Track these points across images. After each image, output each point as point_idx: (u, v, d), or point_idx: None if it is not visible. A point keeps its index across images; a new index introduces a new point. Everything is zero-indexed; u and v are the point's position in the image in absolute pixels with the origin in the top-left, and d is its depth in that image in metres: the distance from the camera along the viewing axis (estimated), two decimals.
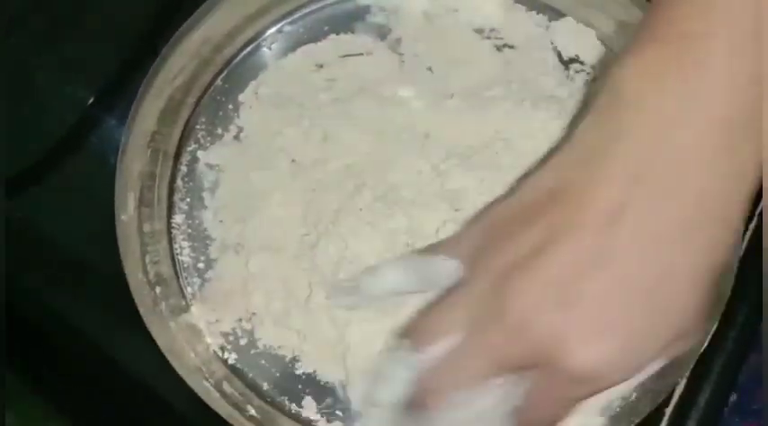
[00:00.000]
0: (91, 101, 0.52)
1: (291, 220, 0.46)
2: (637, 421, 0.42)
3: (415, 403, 0.36)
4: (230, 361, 0.46)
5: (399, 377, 0.36)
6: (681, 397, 0.45)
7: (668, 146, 0.32)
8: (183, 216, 0.48)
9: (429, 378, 0.35)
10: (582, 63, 0.49)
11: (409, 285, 0.40)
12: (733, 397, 0.46)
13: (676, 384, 0.44)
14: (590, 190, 0.32)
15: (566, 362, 0.31)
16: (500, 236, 0.35)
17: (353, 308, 0.43)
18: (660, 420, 0.45)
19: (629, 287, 0.31)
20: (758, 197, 0.45)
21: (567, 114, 0.46)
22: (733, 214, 0.32)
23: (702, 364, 0.44)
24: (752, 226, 0.46)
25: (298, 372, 0.45)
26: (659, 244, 0.31)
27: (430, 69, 0.49)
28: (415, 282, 0.39)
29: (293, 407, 0.45)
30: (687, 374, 0.44)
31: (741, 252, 0.43)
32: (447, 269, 0.37)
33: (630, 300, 0.31)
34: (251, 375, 0.46)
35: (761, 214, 0.45)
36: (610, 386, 0.33)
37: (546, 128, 0.45)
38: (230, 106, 0.49)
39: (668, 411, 0.45)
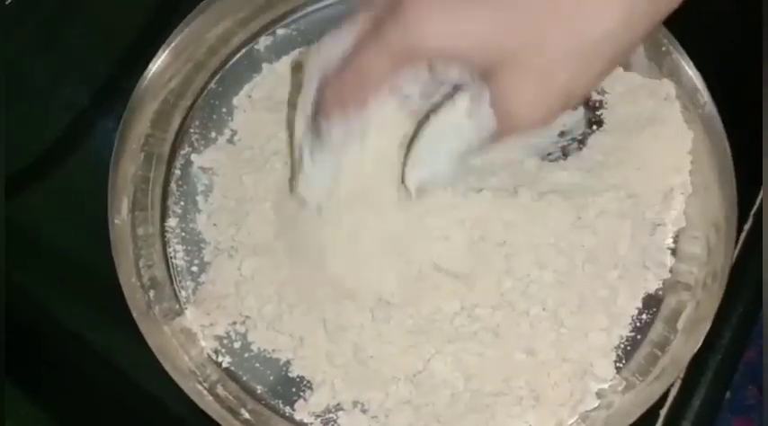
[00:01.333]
0: (86, 103, 0.52)
1: None
2: (631, 421, 0.42)
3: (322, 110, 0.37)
4: (224, 365, 0.46)
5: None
6: (675, 398, 0.45)
7: None
8: (177, 219, 0.48)
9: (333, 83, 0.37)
10: None
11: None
12: (726, 394, 0.46)
13: (671, 384, 0.44)
14: None
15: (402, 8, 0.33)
16: None
17: None
18: (655, 421, 0.45)
19: None
20: (750, 199, 0.45)
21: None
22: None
23: (697, 365, 0.44)
24: (746, 227, 0.46)
25: (291, 375, 0.45)
26: None
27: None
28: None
29: (287, 410, 0.45)
30: (682, 375, 0.44)
31: (733, 260, 0.43)
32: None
33: None
34: (245, 378, 0.46)
35: (755, 214, 0.46)
36: (422, 48, 0.34)
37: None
38: (224, 109, 0.49)
39: (663, 412, 0.45)
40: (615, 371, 0.45)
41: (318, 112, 0.38)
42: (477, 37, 0.33)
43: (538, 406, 0.43)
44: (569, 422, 0.44)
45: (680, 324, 0.44)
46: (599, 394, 0.44)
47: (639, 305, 0.45)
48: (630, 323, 0.45)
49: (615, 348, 0.45)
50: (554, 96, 0.34)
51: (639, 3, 0.33)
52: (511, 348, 0.43)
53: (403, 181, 0.40)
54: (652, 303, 0.46)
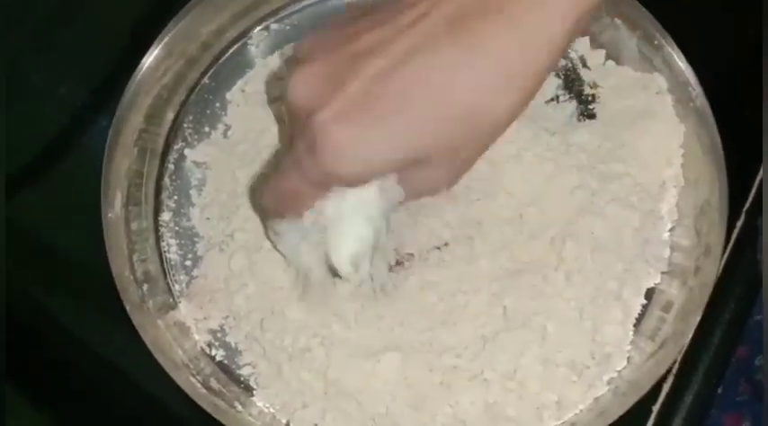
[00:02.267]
0: (84, 101, 0.52)
1: None
2: (621, 413, 0.42)
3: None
4: (218, 358, 0.46)
5: None
6: (667, 395, 0.45)
7: None
8: (171, 213, 0.48)
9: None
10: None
11: None
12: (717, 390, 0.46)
13: (663, 381, 0.43)
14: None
15: (311, 128, 0.33)
16: None
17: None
18: (648, 417, 0.45)
19: (396, 84, 0.32)
20: (742, 196, 0.45)
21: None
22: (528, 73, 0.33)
23: (689, 361, 0.44)
24: (739, 223, 0.46)
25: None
26: (444, 68, 0.32)
27: None
28: None
29: None
30: (675, 371, 0.44)
31: (724, 262, 0.43)
32: None
33: (391, 100, 0.33)
34: (238, 371, 0.46)
35: (747, 211, 0.46)
36: (339, 178, 0.35)
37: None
38: (217, 104, 0.49)
39: (655, 408, 0.45)
40: (626, 361, 0.44)
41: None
42: (387, 160, 0.34)
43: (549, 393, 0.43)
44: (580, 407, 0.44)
45: (671, 315, 0.44)
46: (608, 381, 0.44)
47: (643, 299, 0.45)
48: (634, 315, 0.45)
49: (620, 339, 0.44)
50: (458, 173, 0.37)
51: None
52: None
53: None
54: (647, 293, 0.45)
